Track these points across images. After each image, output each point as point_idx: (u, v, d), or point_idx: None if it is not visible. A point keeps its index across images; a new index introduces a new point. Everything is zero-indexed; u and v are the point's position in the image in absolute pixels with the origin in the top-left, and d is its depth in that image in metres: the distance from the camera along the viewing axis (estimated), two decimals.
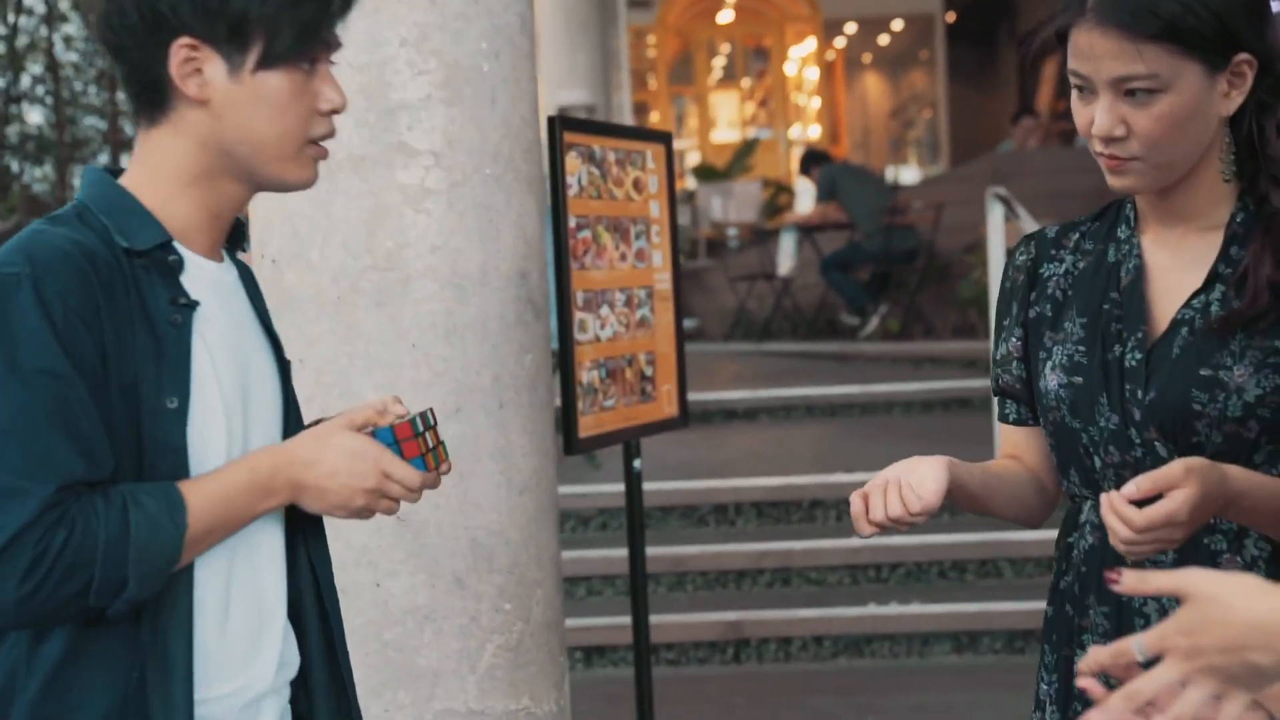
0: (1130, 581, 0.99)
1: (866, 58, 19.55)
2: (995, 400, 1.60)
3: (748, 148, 12.50)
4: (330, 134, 1.31)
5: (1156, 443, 1.37)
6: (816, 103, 14.96)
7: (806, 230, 8.36)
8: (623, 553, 3.99)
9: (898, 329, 7.82)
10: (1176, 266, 1.42)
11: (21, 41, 12.26)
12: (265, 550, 1.32)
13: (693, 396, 6.05)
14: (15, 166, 12.65)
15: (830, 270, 7.99)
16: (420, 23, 2.15)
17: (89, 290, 1.17)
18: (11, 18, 11.91)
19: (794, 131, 14.87)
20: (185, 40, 1.24)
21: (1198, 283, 1.39)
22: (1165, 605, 1.37)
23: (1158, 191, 1.41)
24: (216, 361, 1.26)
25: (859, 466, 4.55)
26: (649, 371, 2.92)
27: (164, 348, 1.21)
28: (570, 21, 8.98)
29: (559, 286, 2.66)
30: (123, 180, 1.29)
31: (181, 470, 1.22)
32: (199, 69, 1.25)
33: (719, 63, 15.33)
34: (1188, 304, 1.39)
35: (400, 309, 2.17)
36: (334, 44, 1.30)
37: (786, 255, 8.07)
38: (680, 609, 4.01)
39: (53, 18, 12.22)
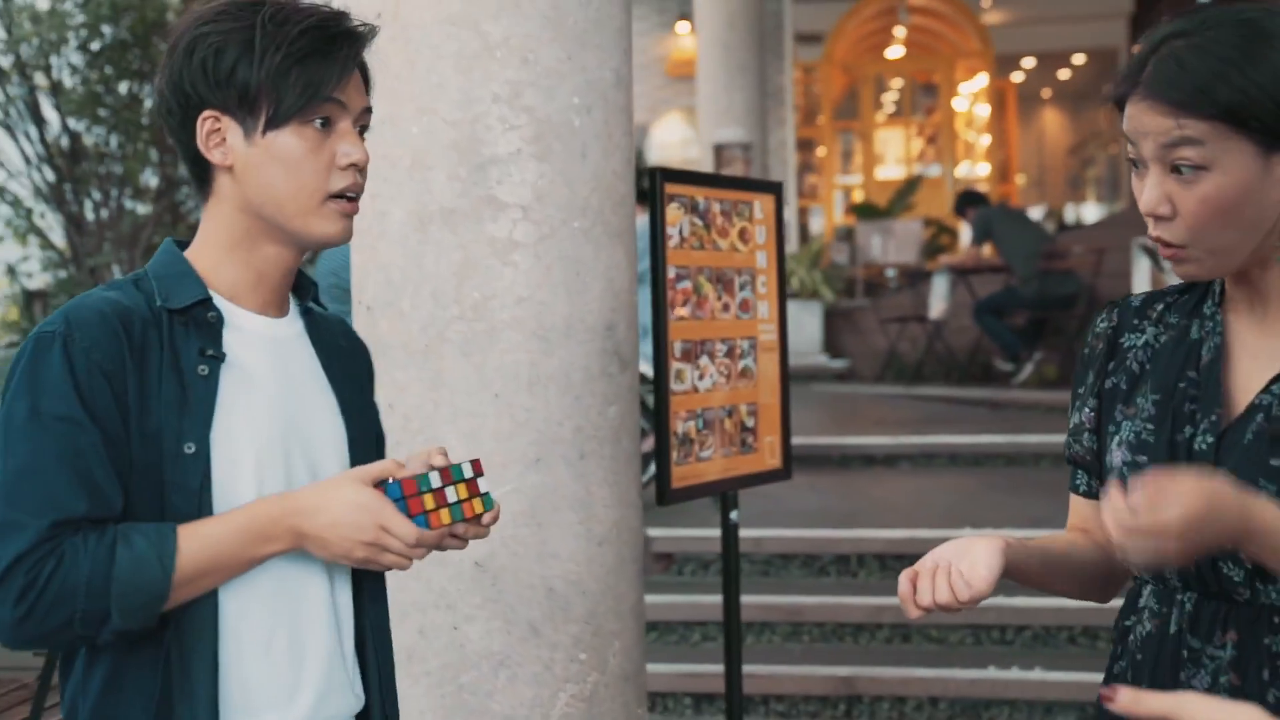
0: (1124, 701, 0.94)
1: (1045, 93, 19.04)
2: (1069, 469, 1.55)
3: (910, 185, 12.29)
4: (353, 188, 1.38)
5: None
6: (987, 140, 14.62)
7: (961, 273, 8.16)
8: (756, 599, 3.96)
9: (1055, 376, 7.55)
10: (1262, 350, 1.35)
11: None
12: (310, 590, 1.37)
13: (830, 441, 6.01)
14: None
15: (984, 315, 7.78)
16: (513, 80, 2.20)
17: (115, 346, 1.27)
18: None
19: (962, 169, 14.56)
20: (208, 113, 1.35)
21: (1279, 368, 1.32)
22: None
23: (1234, 274, 1.34)
24: (253, 410, 1.34)
25: (990, 522, 4.41)
26: (750, 422, 2.90)
27: (189, 396, 1.30)
28: (729, 60, 9.02)
29: (656, 337, 2.67)
30: (188, 250, 1.40)
31: (201, 511, 1.29)
32: (223, 138, 1.35)
33: (887, 98, 15.14)
34: (1267, 389, 1.32)
35: (485, 359, 2.22)
36: (350, 105, 1.37)
37: (939, 298, 7.89)
38: (794, 660, 3.94)
39: None
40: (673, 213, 2.69)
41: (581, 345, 2.26)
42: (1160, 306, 1.44)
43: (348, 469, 1.41)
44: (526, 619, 2.23)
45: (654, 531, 4.37)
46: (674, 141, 13.01)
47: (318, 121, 1.34)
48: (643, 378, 3.55)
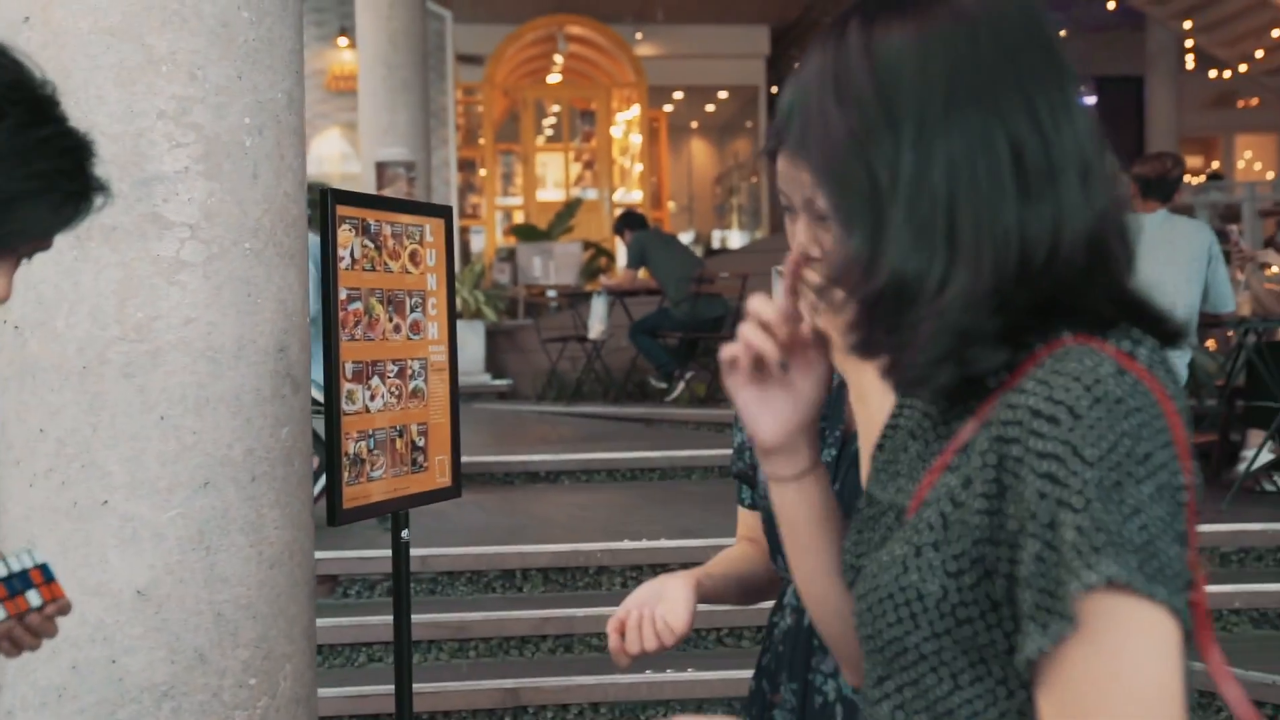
0: None
1: (694, 124, 20.07)
2: (736, 485, 1.70)
3: (570, 209, 12.65)
4: None
5: None
6: (640, 167, 15.26)
7: (618, 294, 8.51)
8: (424, 617, 3.97)
9: (704, 394, 8.01)
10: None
11: None
12: None
13: (494, 459, 6.11)
14: None
15: (639, 335, 8.14)
16: (180, 95, 2.16)
17: None
18: None
19: (619, 194, 15.12)
20: None
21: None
22: (841, 685, 1.47)
23: None
24: None
25: (649, 534, 4.64)
26: (420, 442, 2.94)
27: None
28: (391, 78, 8.97)
29: (326, 357, 2.67)
30: None
31: None
32: None
33: (547, 122, 15.51)
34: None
35: (149, 380, 2.15)
36: None
37: (597, 318, 8.19)
38: (461, 676, 4.00)
39: None
40: (344, 234, 2.70)
41: (252, 367, 2.24)
42: None
43: None
44: (193, 646, 2.18)
45: (319, 554, 4.31)
46: (333, 156, 12.77)
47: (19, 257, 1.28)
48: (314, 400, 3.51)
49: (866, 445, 1.41)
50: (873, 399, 1.40)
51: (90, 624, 2.14)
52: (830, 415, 1.52)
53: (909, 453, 1.01)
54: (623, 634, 1.39)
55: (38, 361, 2.15)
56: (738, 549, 1.62)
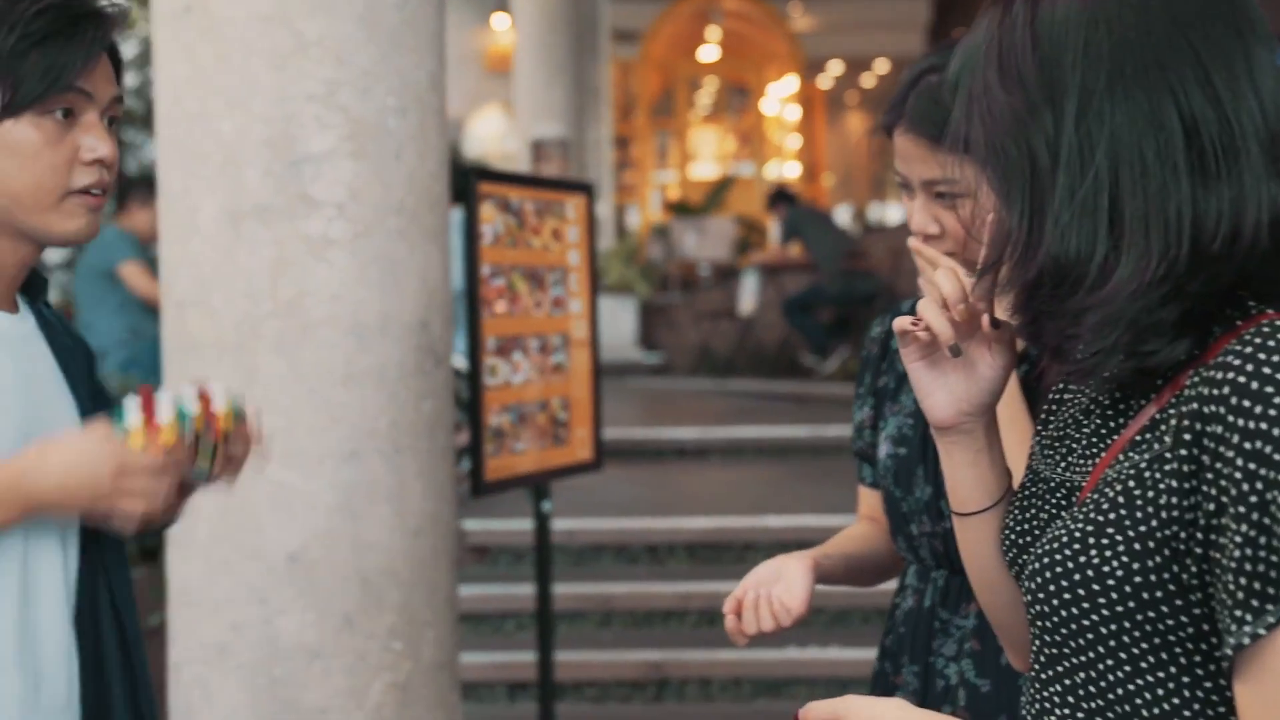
0: (803, 715, 1.02)
1: (851, 97, 19.75)
2: (857, 462, 1.68)
3: (723, 184, 12.62)
4: (99, 184, 1.29)
5: None
6: (796, 141, 15.11)
7: (771, 270, 8.46)
8: (570, 589, 4.06)
9: (856, 370, 7.91)
10: None
11: None
12: (46, 591, 1.28)
13: (643, 434, 6.15)
14: None
15: (792, 311, 8.08)
16: (328, 79, 2.23)
17: None
18: None
19: (772, 169, 15.01)
20: None
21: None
22: (963, 670, 1.45)
23: None
24: None
25: (797, 509, 4.62)
26: (562, 416, 2.99)
27: None
28: (547, 57, 9.09)
29: (470, 332, 2.74)
30: None
31: None
32: None
33: (701, 98, 15.48)
34: None
35: (299, 354, 2.24)
36: (96, 95, 1.28)
37: (748, 294, 8.17)
38: (605, 646, 4.06)
39: None
40: (487, 211, 2.76)
41: (396, 342, 2.31)
42: None
43: None
44: (341, 610, 2.27)
45: (469, 524, 4.43)
46: (492, 135, 13.01)
47: (59, 112, 1.25)
48: (458, 372, 3.60)
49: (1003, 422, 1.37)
50: None
51: (247, 585, 2.25)
52: None
53: (1084, 429, 0.98)
54: (739, 614, 1.39)
55: (197, 337, 2.26)
56: (858, 528, 1.60)
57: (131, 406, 1.26)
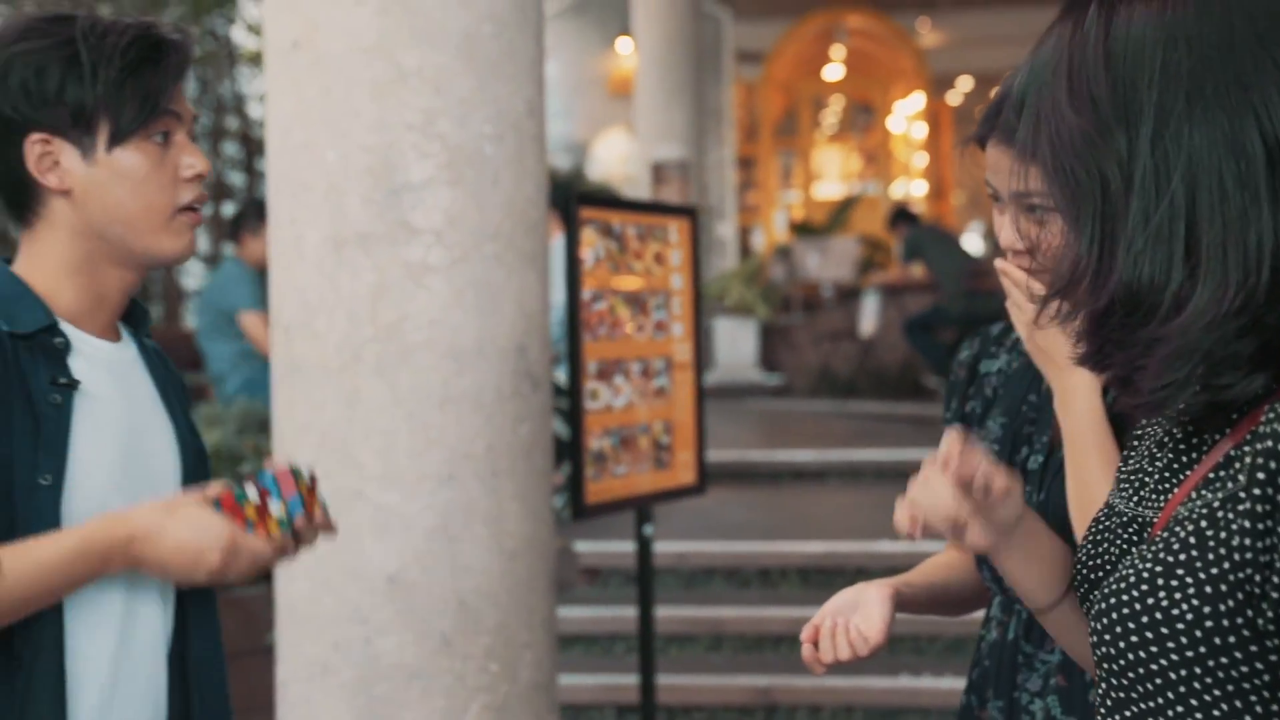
0: None
1: (981, 114, 19.37)
2: None
3: (847, 203, 12.50)
4: (200, 199, 1.35)
5: None
6: (923, 159, 14.88)
7: (892, 291, 8.34)
8: (679, 612, 4.05)
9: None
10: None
11: None
12: (146, 626, 1.34)
13: (760, 456, 6.11)
14: None
15: (913, 331, 7.95)
16: (426, 108, 2.28)
17: None
18: None
19: (899, 187, 14.81)
20: (36, 136, 1.30)
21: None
22: (1049, 706, 1.39)
23: None
24: (101, 438, 1.30)
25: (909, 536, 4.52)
26: (665, 440, 2.99)
27: (41, 426, 1.25)
28: (667, 79, 9.14)
29: (571, 356, 2.76)
30: (14, 268, 1.35)
31: None
32: (56, 161, 1.31)
33: (826, 117, 15.37)
34: None
35: (398, 378, 2.29)
36: (185, 115, 1.35)
37: (869, 315, 8.06)
38: (714, 671, 4.03)
39: None
40: (588, 236, 2.78)
41: (493, 366, 2.33)
42: (1015, 334, 1.54)
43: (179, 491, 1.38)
44: (439, 631, 2.30)
45: (581, 546, 4.45)
46: (615, 158, 13.12)
47: (158, 136, 1.32)
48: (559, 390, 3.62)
49: (1072, 454, 1.32)
50: (1077, 407, 1.31)
51: (349, 605, 2.30)
52: (1038, 421, 1.44)
53: (1156, 464, 0.95)
54: (816, 642, 1.36)
55: (302, 360, 2.32)
56: (944, 556, 1.56)
57: (251, 492, 1.31)
